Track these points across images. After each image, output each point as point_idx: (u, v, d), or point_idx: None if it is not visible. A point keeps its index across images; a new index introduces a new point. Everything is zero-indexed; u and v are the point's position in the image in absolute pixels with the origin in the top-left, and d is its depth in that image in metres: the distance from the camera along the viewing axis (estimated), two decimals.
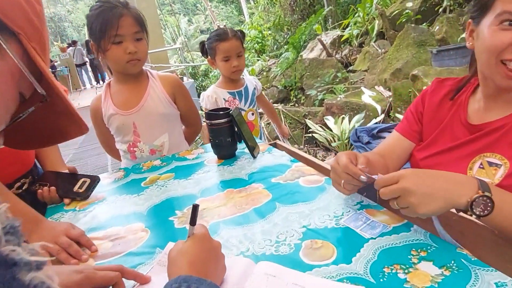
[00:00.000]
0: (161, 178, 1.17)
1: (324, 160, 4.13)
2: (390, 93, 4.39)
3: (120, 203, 1.05)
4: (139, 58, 1.33)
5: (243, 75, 1.98)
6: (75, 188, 1.12)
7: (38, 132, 0.53)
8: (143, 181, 1.18)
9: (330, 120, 3.25)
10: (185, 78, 9.46)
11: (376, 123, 3.47)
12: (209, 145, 1.33)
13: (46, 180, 1.15)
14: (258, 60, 8.71)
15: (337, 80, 5.66)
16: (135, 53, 1.30)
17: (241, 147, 1.30)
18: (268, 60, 8.36)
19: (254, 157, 1.21)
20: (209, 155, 1.31)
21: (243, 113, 1.89)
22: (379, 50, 5.70)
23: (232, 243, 0.77)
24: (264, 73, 7.38)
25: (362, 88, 4.47)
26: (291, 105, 5.84)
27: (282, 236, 0.77)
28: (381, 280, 0.60)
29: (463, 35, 4.62)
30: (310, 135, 3.84)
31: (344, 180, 0.81)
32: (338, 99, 4.31)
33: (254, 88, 1.96)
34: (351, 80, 5.66)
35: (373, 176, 0.77)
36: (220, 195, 1.00)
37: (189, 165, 1.26)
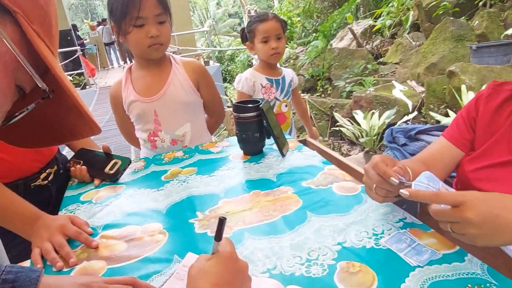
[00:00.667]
0: (182, 173, 1.10)
1: (350, 155, 4.00)
2: (423, 89, 4.18)
3: (139, 197, 0.99)
4: (162, 43, 1.25)
5: (280, 66, 1.90)
6: (106, 169, 1.10)
7: (43, 129, 0.45)
8: (164, 174, 1.11)
9: (359, 115, 3.10)
10: (211, 62, 9.40)
11: (408, 120, 3.30)
12: (234, 138, 1.25)
13: (80, 157, 1.15)
14: (286, 47, 8.51)
15: (367, 72, 5.46)
16: (157, 37, 1.21)
17: (269, 142, 1.21)
18: (296, 48, 8.16)
19: (283, 155, 1.13)
20: (235, 150, 1.23)
21: (277, 103, 1.81)
22: (413, 43, 5.44)
23: (258, 257, 0.69)
24: (291, 61, 7.21)
25: (394, 82, 4.27)
26: (317, 95, 5.69)
27: (314, 253, 0.68)
28: None
29: (506, 32, 4.32)
30: (337, 128, 3.70)
31: (375, 183, 0.72)
32: (368, 92, 4.14)
33: (291, 80, 1.87)
34: (381, 73, 5.44)
35: (408, 182, 0.68)
36: (245, 197, 0.92)
37: (212, 159, 1.19)
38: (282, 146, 1.13)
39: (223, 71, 10.74)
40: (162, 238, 0.79)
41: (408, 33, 5.75)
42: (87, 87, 9.38)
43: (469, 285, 0.57)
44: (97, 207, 0.96)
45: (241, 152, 1.20)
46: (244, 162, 1.14)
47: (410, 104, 3.92)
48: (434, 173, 0.96)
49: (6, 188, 0.86)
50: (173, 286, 0.63)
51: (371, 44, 6.53)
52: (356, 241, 0.71)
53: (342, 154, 4.11)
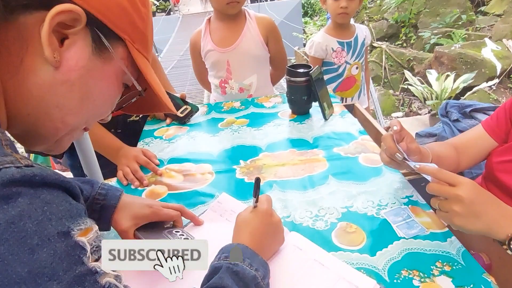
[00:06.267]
0: (236, 122, 1.29)
1: (419, 113, 3.86)
2: None
3: (198, 140, 1.21)
4: (238, 1, 1.38)
5: (353, 23, 1.88)
6: (178, 112, 1.31)
7: (141, 104, 0.64)
8: (221, 122, 1.31)
9: (432, 75, 2.94)
10: None
11: (493, 85, 3.04)
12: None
13: None
14: None
15: (460, 23, 4.92)
16: None
17: (317, 104, 1.32)
18: None
19: (326, 119, 1.25)
20: (285, 107, 1.37)
21: (347, 66, 1.84)
22: None
23: (278, 206, 0.87)
24: (378, 1, 6.68)
25: (486, 39, 3.85)
26: (397, 44, 5.34)
27: (323, 211, 0.84)
28: (395, 281, 0.66)
29: None
30: (406, 86, 3.54)
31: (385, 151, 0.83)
32: (452, 48, 3.82)
33: (364, 39, 1.86)
34: (477, 25, 4.87)
35: (410, 163, 0.77)
36: (282, 153, 1.09)
37: (264, 113, 1.35)
38: (325, 111, 1.24)
39: (304, 4, 10.27)
40: (210, 177, 1.01)
41: None
42: (172, 13, 9.80)
43: (439, 261, 0.70)
44: (165, 143, 1.20)
45: (290, 110, 1.33)
46: (290, 120, 1.28)
47: (499, 67, 3.57)
48: (463, 158, 1.03)
49: (100, 126, 1.13)
50: (209, 217, 0.84)
51: None
52: (361, 207, 0.85)
53: (411, 111, 3.98)
